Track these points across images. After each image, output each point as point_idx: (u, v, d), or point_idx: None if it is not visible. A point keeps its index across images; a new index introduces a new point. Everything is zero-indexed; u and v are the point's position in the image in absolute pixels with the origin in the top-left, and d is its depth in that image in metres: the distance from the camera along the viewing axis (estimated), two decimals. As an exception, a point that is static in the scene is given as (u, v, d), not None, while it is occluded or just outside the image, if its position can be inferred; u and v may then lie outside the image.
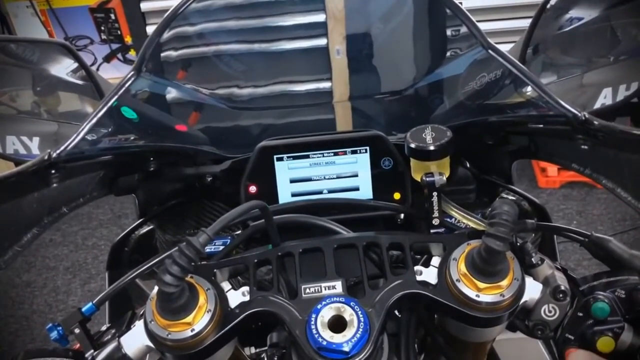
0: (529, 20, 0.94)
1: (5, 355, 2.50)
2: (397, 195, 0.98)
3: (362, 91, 1.46)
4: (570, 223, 2.84)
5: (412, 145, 0.76)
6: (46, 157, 0.74)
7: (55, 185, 0.76)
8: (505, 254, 0.63)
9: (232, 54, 1.41)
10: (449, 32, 1.22)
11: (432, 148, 0.74)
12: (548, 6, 0.92)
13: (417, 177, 0.76)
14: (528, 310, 0.71)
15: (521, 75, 0.81)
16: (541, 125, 0.86)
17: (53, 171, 0.76)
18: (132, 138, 0.95)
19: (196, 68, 1.24)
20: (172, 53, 1.19)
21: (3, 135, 0.92)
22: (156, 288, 0.64)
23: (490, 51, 0.88)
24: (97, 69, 3.13)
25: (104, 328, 0.78)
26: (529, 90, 0.81)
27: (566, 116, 0.75)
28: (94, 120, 0.80)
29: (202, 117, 1.19)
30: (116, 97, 0.85)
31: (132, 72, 0.91)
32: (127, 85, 0.88)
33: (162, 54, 1.13)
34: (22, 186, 0.75)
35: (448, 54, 1.24)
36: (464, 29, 1.05)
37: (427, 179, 0.74)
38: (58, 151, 0.76)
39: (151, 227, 1.12)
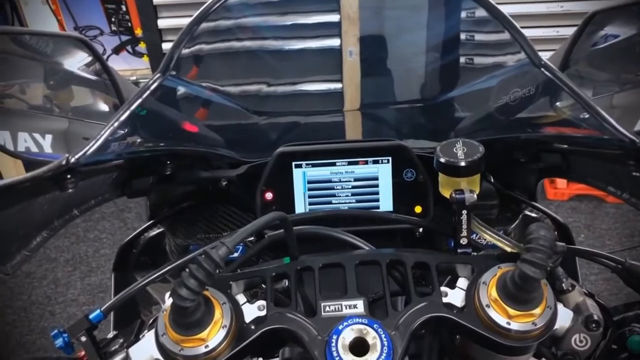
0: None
1: (3, 349, 2.47)
2: (418, 209, 0.95)
3: (374, 95, 1.43)
4: (577, 237, 2.81)
5: (442, 160, 0.71)
6: (64, 162, 0.71)
7: (70, 189, 0.73)
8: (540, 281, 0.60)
9: (248, 51, 1.39)
10: (463, 37, 1.18)
11: (463, 164, 0.70)
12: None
13: (446, 194, 0.72)
14: (557, 338, 0.68)
15: (573, 95, 0.76)
16: (583, 147, 0.82)
17: (69, 176, 0.72)
18: (149, 140, 0.92)
19: (209, 65, 1.21)
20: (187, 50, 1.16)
21: (15, 132, 0.89)
22: (169, 300, 0.61)
23: (543, 69, 0.82)
24: (106, 60, 3.11)
25: (110, 335, 0.75)
26: (571, 108, 0.77)
27: (621, 141, 0.72)
28: (116, 125, 0.76)
29: (219, 118, 1.16)
30: (140, 100, 0.81)
31: (157, 75, 0.88)
32: (152, 88, 0.84)
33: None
34: (34, 190, 0.72)
35: (462, 59, 1.20)
36: (479, 36, 1.01)
37: (457, 196, 0.70)
38: (77, 156, 0.73)
39: (161, 229, 1.09)
